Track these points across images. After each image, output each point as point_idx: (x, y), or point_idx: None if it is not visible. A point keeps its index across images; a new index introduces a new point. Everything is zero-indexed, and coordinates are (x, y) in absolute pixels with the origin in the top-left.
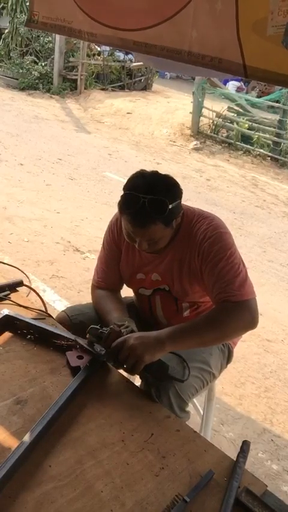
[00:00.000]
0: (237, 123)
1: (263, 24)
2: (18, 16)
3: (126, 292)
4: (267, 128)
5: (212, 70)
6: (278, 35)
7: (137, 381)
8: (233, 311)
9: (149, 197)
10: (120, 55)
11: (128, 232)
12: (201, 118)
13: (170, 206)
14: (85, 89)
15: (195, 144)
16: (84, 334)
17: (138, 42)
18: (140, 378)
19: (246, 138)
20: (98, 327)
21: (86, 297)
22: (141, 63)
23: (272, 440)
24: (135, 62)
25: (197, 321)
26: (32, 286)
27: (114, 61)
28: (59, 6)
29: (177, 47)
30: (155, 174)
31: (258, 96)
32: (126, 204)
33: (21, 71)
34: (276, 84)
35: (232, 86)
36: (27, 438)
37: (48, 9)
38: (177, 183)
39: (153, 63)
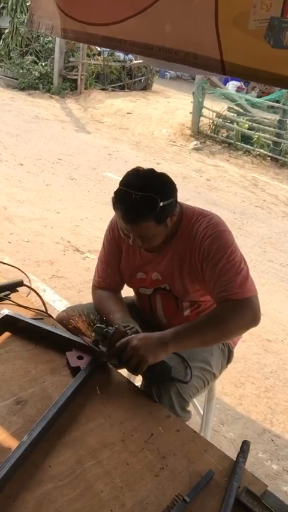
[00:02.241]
0: (237, 123)
1: (245, 18)
2: (18, 16)
3: (127, 292)
4: (267, 127)
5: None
6: (260, 30)
7: (137, 381)
8: (235, 309)
9: (140, 194)
10: (120, 55)
11: (122, 229)
12: (201, 118)
13: (162, 204)
14: (85, 89)
15: (195, 144)
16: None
17: (107, 38)
18: (143, 378)
19: (246, 138)
20: (103, 326)
21: (86, 297)
22: (141, 61)
23: (272, 440)
24: (135, 60)
25: (199, 321)
26: (32, 286)
27: (114, 61)
28: (45, 5)
29: (149, 42)
30: (150, 172)
31: (258, 96)
32: (118, 199)
33: (21, 71)
34: (256, 81)
35: (232, 85)
36: (27, 438)
37: (39, 8)
38: (172, 181)
39: (153, 62)
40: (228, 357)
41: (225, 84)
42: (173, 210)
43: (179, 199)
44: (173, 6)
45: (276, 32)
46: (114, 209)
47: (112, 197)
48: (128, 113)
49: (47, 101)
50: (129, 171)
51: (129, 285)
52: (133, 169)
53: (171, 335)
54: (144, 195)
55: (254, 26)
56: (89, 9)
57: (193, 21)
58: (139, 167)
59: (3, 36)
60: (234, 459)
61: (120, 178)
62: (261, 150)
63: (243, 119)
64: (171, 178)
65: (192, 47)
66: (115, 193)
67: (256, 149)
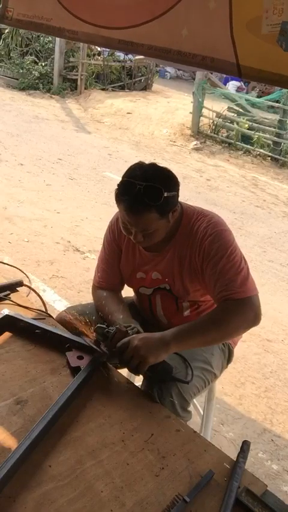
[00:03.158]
0: (237, 123)
1: (258, 23)
2: None
3: (126, 292)
4: (267, 127)
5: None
6: (273, 34)
7: (137, 381)
8: (236, 309)
9: (145, 184)
10: (121, 55)
11: (124, 223)
12: (201, 118)
13: (166, 194)
14: (85, 89)
15: (195, 144)
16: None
17: (124, 41)
18: (144, 378)
19: (246, 138)
20: (104, 326)
21: (86, 297)
22: (142, 56)
23: (272, 440)
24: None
25: (200, 321)
26: (32, 286)
27: (114, 61)
28: (38, 3)
29: (166, 46)
30: (153, 165)
31: (259, 96)
32: (122, 190)
33: (21, 71)
34: (271, 83)
35: (232, 85)
36: (27, 438)
37: (25, 6)
38: (175, 176)
39: (158, 61)
40: (229, 356)
41: (225, 84)
42: (175, 204)
43: (179, 200)
44: (190, 12)
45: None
46: (117, 202)
47: (115, 189)
48: (128, 113)
49: (47, 100)
50: (132, 165)
51: (129, 285)
52: (136, 163)
53: (173, 335)
54: (148, 185)
55: (266, 30)
56: (105, 13)
57: (209, 26)
58: (141, 161)
59: (3, 36)
60: (234, 459)
61: (120, 178)
62: (261, 150)
63: (243, 119)
64: (173, 173)
65: (209, 51)
66: (119, 185)
67: (256, 149)
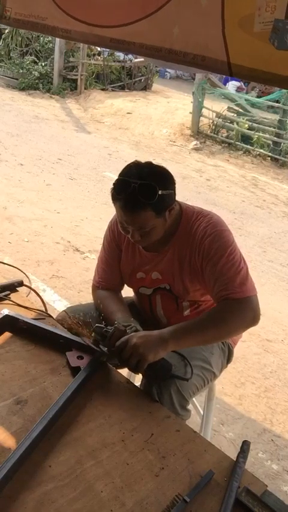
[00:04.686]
0: (237, 123)
1: (250, 21)
2: None
3: (126, 292)
4: (267, 127)
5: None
6: (265, 32)
7: (137, 381)
8: (235, 309)
9: (140, 182)
10: (120, 55)
11: (121, 222)
12: (201, 118)
13: (160, 192)
14: (85, 89)
15: (195, 144)
16: (84, 334)
17: (116, 40)
18: (143, 376)
19: (246, 138)
20: (102, 325)
21: (86, 297)
22: (142, 59)
23: (272, 440)
24: (136, 59)
25: (199, 319)
26: (32, 286)
27: (114, 61)
28: (33, 2)
29: (158, 45)
30: (149, 163)
31: (258, 96)
32: (117, 189)
33: (21, 71)
34: (262, 82)
35: (232, 86)
36: (27, 438)
37: (22, 5)
38: (171, 174)
39: (157, 62)
40: (228, 356)
41: (225, 84)
42: (172, 202)
43: (179, 199)
44: (181, 10)
45: (280, 33)
46: (113, 201)
47: (111, 189)
48: (128, 113)
49: (47, 100)
50: (128, 164)
51: (129, 285)
52: (132, 162)
53: (171, 333)
54: (143, 183)
55: (259, 28)
56: (98, 11)
57: (201, 24)
58: (137, 160)
59: (3, 36)
60: (234, 459)
61: None
62: (261, 150)
63: (243, 119)
64: (169, 172)
65: (200, 49)
66: (114, 184)
67: (256, 149)
